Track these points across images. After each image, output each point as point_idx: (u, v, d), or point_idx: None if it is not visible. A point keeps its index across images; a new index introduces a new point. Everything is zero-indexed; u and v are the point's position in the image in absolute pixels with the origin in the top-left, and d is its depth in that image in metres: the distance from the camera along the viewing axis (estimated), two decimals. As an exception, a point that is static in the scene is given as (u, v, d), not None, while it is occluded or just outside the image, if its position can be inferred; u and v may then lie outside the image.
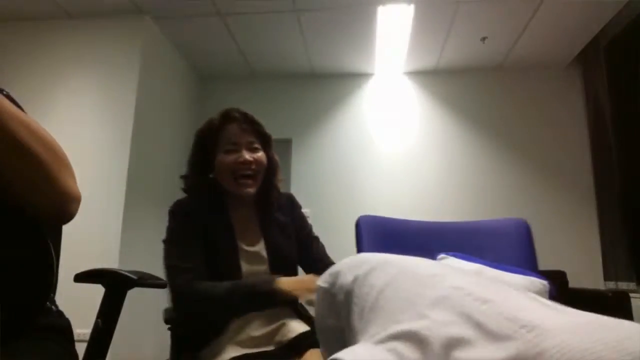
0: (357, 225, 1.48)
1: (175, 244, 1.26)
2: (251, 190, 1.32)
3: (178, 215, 1.30)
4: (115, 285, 0.94)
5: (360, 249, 1.41)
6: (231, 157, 1.31)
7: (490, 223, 1.66)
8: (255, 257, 1.32)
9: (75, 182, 0.78)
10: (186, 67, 4.37)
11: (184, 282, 1.19)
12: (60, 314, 0.90)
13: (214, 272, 1.24)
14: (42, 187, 0.72)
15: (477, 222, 1.70)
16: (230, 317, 1.22)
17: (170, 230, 1.29)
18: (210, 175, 1.38)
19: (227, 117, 1.35)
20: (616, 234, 3.65)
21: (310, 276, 1.22)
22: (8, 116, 0.69)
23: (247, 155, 1.31)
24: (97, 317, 0.91)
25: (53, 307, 0.89)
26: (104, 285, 0.94)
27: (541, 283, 1.32)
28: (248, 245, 1.32)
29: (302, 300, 1.22)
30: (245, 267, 1.29)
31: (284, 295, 1.16)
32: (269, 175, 1.38)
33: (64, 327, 0.87)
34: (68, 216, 0.78)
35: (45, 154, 0.72)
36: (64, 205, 0.75)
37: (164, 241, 1.29)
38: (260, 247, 1.33)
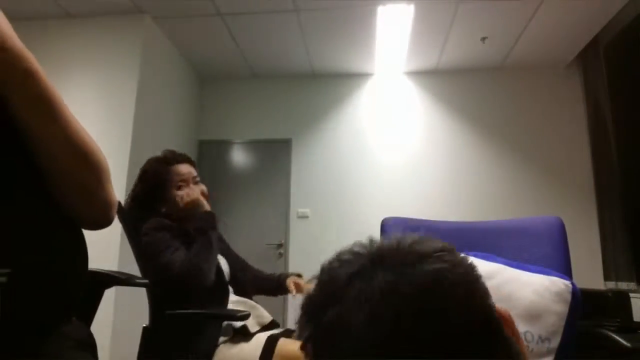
0: (383, 227, 1.46)
1: None
2: None
3: None
4: (91, 284, 0.93)
5: None
6: None
7: (523, 222, 1.63)
8: None
9: (113, 188, 0.75)
10: (186, 67, 4.37)
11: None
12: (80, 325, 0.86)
13: None
14: (95, 193, 0.69)
15: (509, 222, 1.66)
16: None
17: None
18: None
19: None
20: (616, 234, 3.65)
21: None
22: (77, 124, 0.66)
23: None
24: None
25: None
26: None
27: (563, 283, 1.26)
28: None
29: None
30: None
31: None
32: None
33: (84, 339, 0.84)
34: (108, 223, 0.75)
35: (101, 158, 0.70)
36: (108, 212, 0.73)
37: None
38: None
